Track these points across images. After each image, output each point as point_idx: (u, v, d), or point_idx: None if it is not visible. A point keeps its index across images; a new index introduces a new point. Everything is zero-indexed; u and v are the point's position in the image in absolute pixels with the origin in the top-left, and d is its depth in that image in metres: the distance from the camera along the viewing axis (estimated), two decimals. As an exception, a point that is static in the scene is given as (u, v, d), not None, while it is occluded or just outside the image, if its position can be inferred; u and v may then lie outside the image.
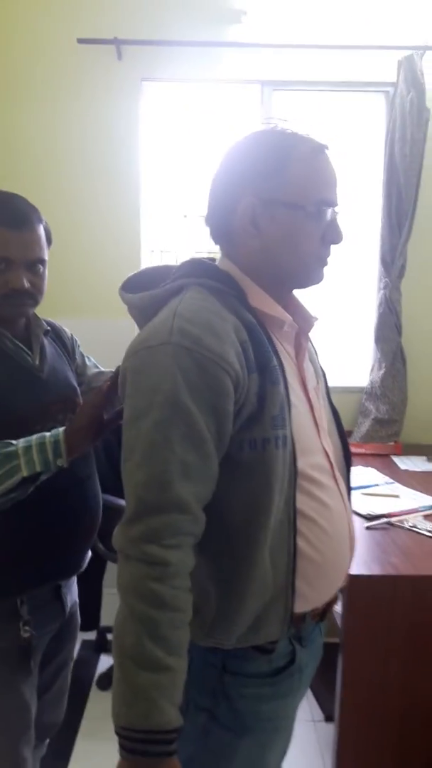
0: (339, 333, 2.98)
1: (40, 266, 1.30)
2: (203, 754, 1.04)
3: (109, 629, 2.70)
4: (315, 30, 2.68)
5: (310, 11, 2.67)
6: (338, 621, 1.75)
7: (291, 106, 2.86)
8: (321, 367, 1.20)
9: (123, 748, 0.85)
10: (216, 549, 0.95)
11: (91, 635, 2.69)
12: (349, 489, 1.16)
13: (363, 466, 2.56)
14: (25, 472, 1.16)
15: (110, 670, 2.49)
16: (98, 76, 2.70)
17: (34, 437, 1.20)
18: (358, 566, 1.67)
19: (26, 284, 1.25)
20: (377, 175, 2.83)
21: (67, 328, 1.56)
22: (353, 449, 2.74)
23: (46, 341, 1.40)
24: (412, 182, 2.70)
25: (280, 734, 1.09)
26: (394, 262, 2.75)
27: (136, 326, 1.07)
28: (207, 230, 1.08)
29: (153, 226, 2.95)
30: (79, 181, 2.76)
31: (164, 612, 0.85)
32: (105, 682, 2.46)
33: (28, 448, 1.17)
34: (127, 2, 2.65)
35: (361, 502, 2.10)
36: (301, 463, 0.98)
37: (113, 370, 1.61)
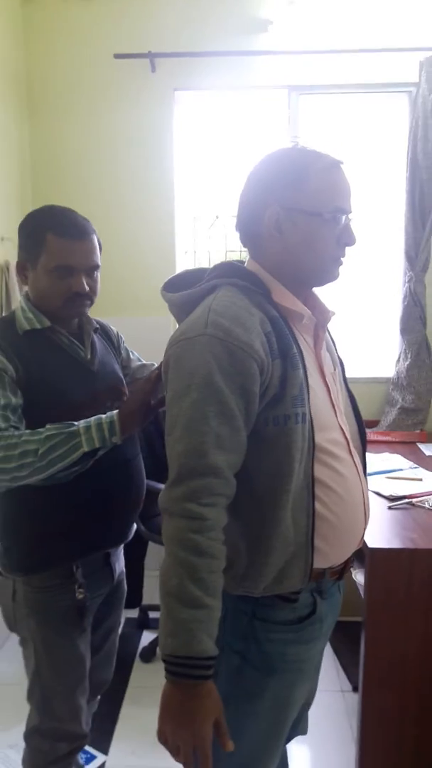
0: (366, 325, 3.10)
1: (96, 271, 1.48)
2: (237, 693, 1.19)
3: (150, 607, 2.88)
4: (338, 35, 2.80)
5: (333, 17, 2.79)
6: (361, 592, 1.89)
7: (317, 109, 2.98)
8: (339, 356, 1.34)
9: (168, 672, 1.00)
10: (246, 511, 1.10)
11: (134, 613, 2.87)
12: (364, 464, 1.30)
13: (389, 452, 2.68)
14: (86, 448, 1.34)
15: (152, 644, 2.67)
16: (134, 87, 2.88)
17: (93, 419, 1.37)
18: (379, 541, 1.81)
19: (86, 288, 1.44)
20: (401, 172, 2.93)
21: (114, 326, 1.73)
22: (380, 437, 2.87)
23: (95, 337, 1.58)
24: (435, 179, 2.80)
25: (303, 676, 1.24)
26: (418, 256, 2.86)
27: (171, 322, 1.23)
28: (236, 232, 1.25)
29: (187, 227, 3.12)
30: (118, 188, 2.95)
31: (202, 558, 1.00)
32: (148, 655, 2.64)
33: (87, 428, 1.35)
34: (159, 18, 2.82)
35: (384, 485, 2.23)
36: (319, 438, 1.13)
37: (154, 363, 1.79)
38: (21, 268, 1.49)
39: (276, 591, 1.14)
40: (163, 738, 1.03)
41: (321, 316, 1.25)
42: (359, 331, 3.06)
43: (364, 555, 1.82)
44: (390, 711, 1.89)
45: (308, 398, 1.11)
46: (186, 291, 1.19)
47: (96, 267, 1.47)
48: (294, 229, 1.14)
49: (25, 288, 1.51)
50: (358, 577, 1.96)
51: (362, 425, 1.32)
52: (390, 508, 2.05)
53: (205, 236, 3.15)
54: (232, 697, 1.19)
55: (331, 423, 1.19)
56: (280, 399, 1.08)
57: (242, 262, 1.25)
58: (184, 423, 1.04)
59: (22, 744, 1.65)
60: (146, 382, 1.42)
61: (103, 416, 1.38)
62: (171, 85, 2.88)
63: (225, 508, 1.06)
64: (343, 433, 1.22)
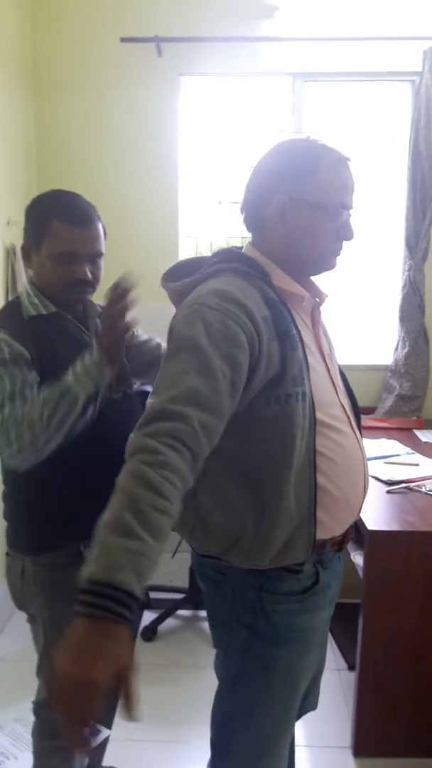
0: (365, 313, 3.13)
1: (99, 259, 1.50)
2: (249, 667, 1.24)
3: (151, 588, 2.93)
4: (343, 23, 2.80)
5: (339, 5, 2.80)
6: (360, 573, 1.94)
7: (321, 96, 2.99)
8: (329, 339, 1.39)
9: (80, 602, 0.85)
10: (251, 487, 1.15)
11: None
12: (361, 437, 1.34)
13: (386, 438, 2.73)
14: (83, 396, 1.35)
15: (153, 623, 2.72)
16: (140, 72, 2.88)
17: (78, 366, 1.37)
18: (378, 523, 1.86)
19: (89, 275, 1.46)
20: (402, 161, 2.96)
21: None
22: (378, 424, 2.92)
23: (98, 322, 1.61)
24: (437, 169, 2.82)
25: (311, 644, 1.29)
26: (418, 245, 2.89)
27: (170, 308, 1.27)
28: (240, 217, 1.28)
29: (190, 212, 3.13)
30: (122, 171, 2.96)
31: (146, 491, 0.92)
32: (149, 634, 2.70)
33: (77, 377, 1.36)
34: (166, 2, 2.82)
35: (382, 470, 2.28)
36: (320, 414, 1.17)
37: (155, 336, 1.79)
38: (26, 252, 1.51)
39: (281, 563, 1.19)
40: (54, 681, 0.84)
41: (316, 297, 1.29)
42: (358, 319, 3.10)
43: (363, 537, 1.88)
44: (385, 689, 1.96)
45: (308, 377, 1.15)
46: (187, 279, 1.23)
47: (99, 254, 1.49)
48: (298, 218, 1.18)
49: (30, 272, 1.53)
50: (357, 558, 2.02)
51: (356, 403, 1.36)
52: (388, 492, 2.10)
53: (208, 221, 3.17)
54: (245, 672, 1.24)
55: (331, 399, 1.23)
56: (281, 379, 1.12)
57: (241, 247, 1.29)
58: (166, 377, 1.06)
59: (28, 718, 1.69)
60: (105, 318, 1.41)
61: (86, 359, 1.38)
62: (176, 69, 2.88)
63: (188, 463, 0.98)
64: (344, 410, 1.26)
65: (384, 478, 2.19)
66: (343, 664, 2.51)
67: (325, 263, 1.24)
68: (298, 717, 1.44)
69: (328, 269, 1.25)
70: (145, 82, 2.89)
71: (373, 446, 2.57)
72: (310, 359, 1.17)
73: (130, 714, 0.84)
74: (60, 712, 0.83)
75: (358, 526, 1.83)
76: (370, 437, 2.68)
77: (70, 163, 2.95)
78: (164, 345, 1.80)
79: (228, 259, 1.20)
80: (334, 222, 1.18)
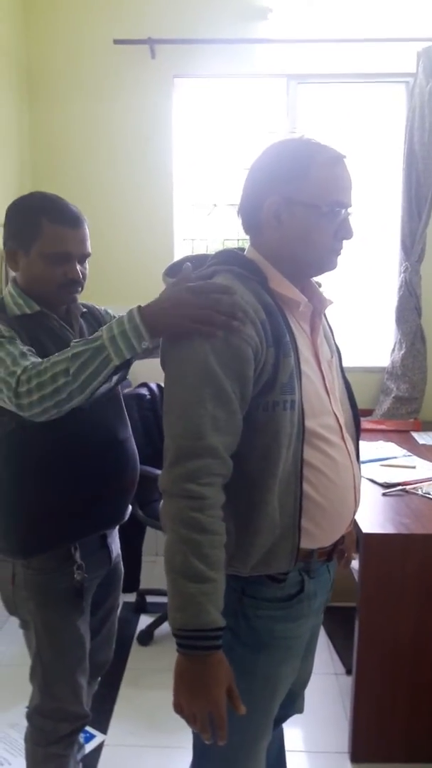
0: (361, 315, 3.12)
1: (87, 259, 1.50)
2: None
3: (148, 592, 2.92)
4: (337, 24, 2.80)
5: (333, 6, 2.80)
6: (355, 576, 1.93)
7: (315, 98, 2.99)
8: (336, 344, 1.36)
9: (179, 645, 1.04)
10: (235, 493, 1.13)
11: (132, 597, 2.91)
12: (357, 450, 1.33)
13: (383, 441, 2.72)
14: (116, 361, 1.25)
15: (149, 627, 2.71)
16: (133, 74, 2.88)
17: (114, 324, 1.24)
18: (374, 526, 1.84)
19: (80, 275, 1.46)
20: (397, 162, 2.95)
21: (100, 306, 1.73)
22: (375, 426, 2.91)
23: (82, 321, 1.60)
24: (431, 169, 2.81)
25: (291, 652, 1.27)
26: (413, 246, 2.88)
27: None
28: (236, 219, 1.27)
29: (185, 215, 3.13)
30: (116, 174, 2.96)
31: (204, 535, 1.04)
32: (145, 638, 2.68)
33: (112, 338, 1.23)
34: (160, 4, 2.82)
35: (378, 472, 2.27)
36: (311, 423, 1.16)
37: None
38: (11, 254, 1.49)
39: (264, 572, 1.18)
40: (179, 708, 1.08)
41: (318, 304, 1.27)
42: (355, 321, 3.09)
43: (358, 540, 1.86)
44: (382, 693, 1.94)
45: (299, 385, 1.14)
46: None
47: (89, 255, 1.49)
48: (292, 219, 1.16)
49: (13, 274, 1.52)
50: (353, 562, 2.00)
51: (357, 412, 1.35)
52: (384, 494, 2.09)
53: (203, 224, 3.16)
54: None
55: (324, 409, 1.21)
56: (271, 386, 1.11)
57: (243, 249, 1.27)
58: (181, 405, 1.07)
59: (22, 723, 1.68)
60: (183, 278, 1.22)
61: (125, 319, 1.23)
62: (170, 71, 2.88)
63: (222, 487, 1.09)
64: (337, 419, 1.25)
65: (380, 480, 2.18)
66: (341, 669, 2.49)
67: (325, 263, 1.21)
68: (284, 721, 1.43)
69: (329, 269, 1.23)
70: (138, 83, 2.89)
71: (370, 448, 2.55)
72: (303, 367, 1.15)
73: (239, 709, 1.08)
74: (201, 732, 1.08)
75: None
76: (368, 439, 2.67)
77: (65, 166, 2.95)
78: None
79: (226, 260, 1.19)
80: (331, 221, 1.16)
